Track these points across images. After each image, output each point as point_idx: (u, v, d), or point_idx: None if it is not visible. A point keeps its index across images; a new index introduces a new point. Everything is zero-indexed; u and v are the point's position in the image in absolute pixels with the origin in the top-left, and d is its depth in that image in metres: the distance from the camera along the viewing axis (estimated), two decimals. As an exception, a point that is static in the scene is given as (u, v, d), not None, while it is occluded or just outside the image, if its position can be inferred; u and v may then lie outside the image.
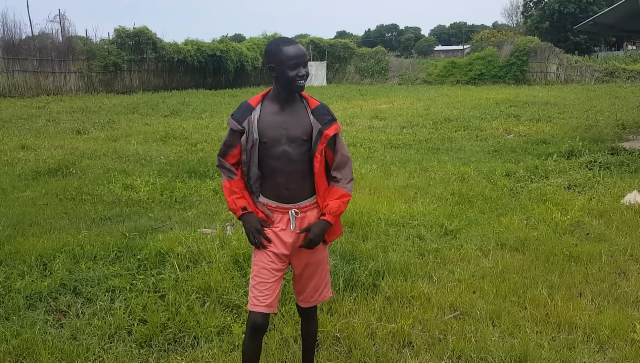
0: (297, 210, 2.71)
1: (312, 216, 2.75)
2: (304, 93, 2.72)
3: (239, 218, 2.72)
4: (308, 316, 2.98)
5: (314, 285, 2.87)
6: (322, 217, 2.71)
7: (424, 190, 7.24)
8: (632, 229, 5.54)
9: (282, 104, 2.67)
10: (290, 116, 2.67)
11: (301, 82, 2.60)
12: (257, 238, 2.68)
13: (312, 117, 2.68)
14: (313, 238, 2.67)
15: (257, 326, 2.68)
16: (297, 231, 2.71)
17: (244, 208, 2.69)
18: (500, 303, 3.94)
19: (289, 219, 2.72)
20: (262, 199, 2.75)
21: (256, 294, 2.68)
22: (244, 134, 2.64)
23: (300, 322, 3.09)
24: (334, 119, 2.71)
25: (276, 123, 2.64)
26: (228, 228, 5.39)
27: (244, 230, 2.80)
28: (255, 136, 2.62)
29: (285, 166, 2.65)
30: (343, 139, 2.80)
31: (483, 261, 4.79)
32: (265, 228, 2.70)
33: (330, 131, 2.67)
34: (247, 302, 2.75)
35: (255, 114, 2.64)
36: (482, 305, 3.91)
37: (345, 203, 2.74)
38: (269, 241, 2.69)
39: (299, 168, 2.67)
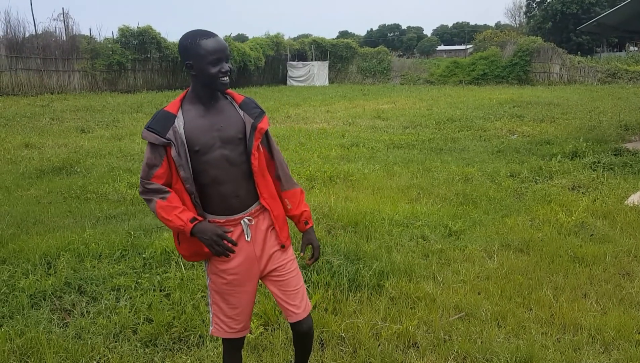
0: (249, 217, 2.45)
1: (262, 221, 2.50)
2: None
3: (192, 233, 2.31)
4: (305, 332, 2.65)
5: (297, 288, 2.59)
6: (307, 226, 2.63)
7: (427, 190, 7.23)
8: (636, 230, 5.53)
9: (205, 105, 2.37)
10: (219, 115, 2.38)
11: (225, 79, 2.33)
12: (222, 244, 2.32)
13: (241, 113, 2.43)
14: (318, 245, 2.64)
15: (237, 346, 2.59)
16: (303, 254, 2.61)
17: (193, 219, 2.32)
18: (505, 304, 3.93)
19: (242, 231, 2.45)
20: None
21: (225, 320, 2.50)
22: (174, 148, 2.27)
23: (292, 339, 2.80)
24: (263, 112, 2.49)
25: (205, 126, 2.33)
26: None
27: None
28: (186, 146, 2.29)
29: (227, 171, 2.37)
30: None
31: (488, 262, 4.78)
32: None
33: (263, 125, 2.45)
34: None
35: (179, 122, 2.30)
36: (487, 306, 3.91)
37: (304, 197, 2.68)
38: (235, 244, 2.38)
39: (241, 170, 2.41)
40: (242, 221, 2.44)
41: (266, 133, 2.52)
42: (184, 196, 2.35)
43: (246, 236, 2.45)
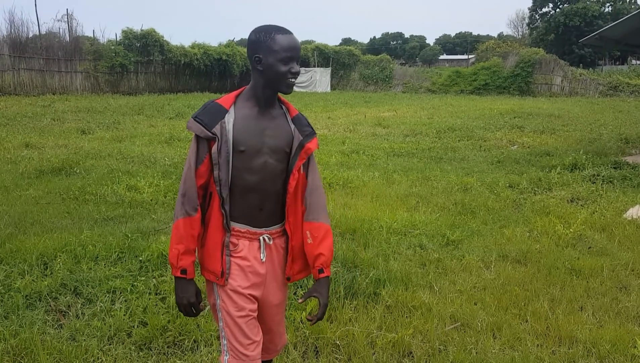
0: (269, 236, 2.27)
1: (279, 245, 2.32)
2: (282, 98, 2.31)
3: (175, 280, 2.22)
4: None
5: (279, 328, 2.46)
6: (322, 275, 2.30)
7: (426, 199, 7.23)
8: (634, 244, 5.53)
9: (261, 107, 2.21)
10: (271, 121, 2.22)
11: (292, 80, 2.17)
12: (189, 312, 2.24)
13: (292, 126, 2.26)
14: (326, 302, 2.29)
15: None
16: (300, 301, 2.31)
17: (184, 271, 2.18)
18: (501, 315, 3.92)
19: (258, 248, 2.26)
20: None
21: (243, 342, 2.22)
22: (216, 143, 2.12)
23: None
24: (314, 133, 2.32)
25: (256, 129, 2.18)
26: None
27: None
28: (230, 145, 2.13)
29: (264, 181, 2.20)
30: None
31: (485, 272, 4.78)
32: (235, 263, 2.23)
33: (312, 145, 2.27)
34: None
35: (230, 118, 2.15)
36: (483, 316, 3.90)
37: (332, 243, 2.37)
38: (201, 309, 2.28)
39: (277, 184, 2.24)
40: (260, 238, 2.26)
41: (310, 155, 2.32)
42: (213, 201, 2.21)
43: (262, 255, 2.26)
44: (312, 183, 2.32)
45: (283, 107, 2.30)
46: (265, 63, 2.12)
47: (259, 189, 2.20)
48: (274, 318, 2.41)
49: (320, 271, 2.30)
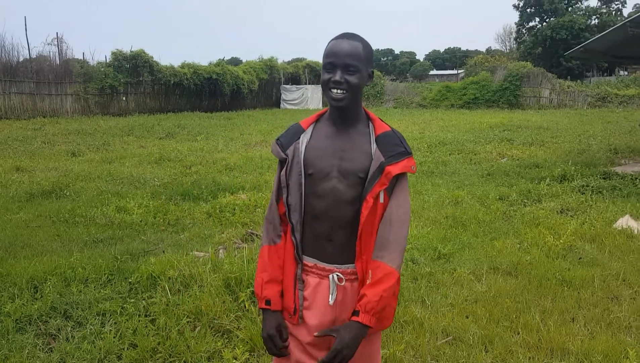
0: (340, 274, 1.95)
1: (353, 291, 1.98)
2: (371, 114, 2.03)
3: (261, 311, 2.07)
4: None
5: None
6: (355, 317, 1.87)
7: (417, 213, 7.25)
8: (624, 253, 5.55)
9: (337, 126, 1.98)
10: (347, 142, 1.95)
11: (335, 91, 1.89)
12: (270, 347, 2.00)
13: (374, 147, 1.93)
14: (341, 349, 1.84)
15: None
16: (316, 334, 1.96)
17: (268, 302, 1.99)
18: (492, 328, 3.92)
19: (328, 287, 1.97)
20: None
21: None
22: (286, 166, 1.96)
23: None
24: (406, 153, 1.94)
25: (328, 150, 1.95)
26: (220, 251, 5.38)
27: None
28: (301, 167, 1.94)
29: (331, 208, 1.93)
30: (408, 189, 2.02)
31: (476, 285, 4.78)
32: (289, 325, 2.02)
33: (395, 169, 1.90)
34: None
35: (305, 138, 1.98)
36: (474, 330, 3.89)
37: (390, 290, 1.88)
38: (286, 347, 2.01)
39: (347, 213, 1.93)
40: (331, 276, 1.96)
41: (398, 181, 1.95)
42: (287, 227, 2.02)
43: (330, 297, 1.95)
44: (389, 213, 1.93)
45: (370, 125, 2.01)
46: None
47: (325, 216, 1.95)
48: None
49: (355, 313, 1.89)
